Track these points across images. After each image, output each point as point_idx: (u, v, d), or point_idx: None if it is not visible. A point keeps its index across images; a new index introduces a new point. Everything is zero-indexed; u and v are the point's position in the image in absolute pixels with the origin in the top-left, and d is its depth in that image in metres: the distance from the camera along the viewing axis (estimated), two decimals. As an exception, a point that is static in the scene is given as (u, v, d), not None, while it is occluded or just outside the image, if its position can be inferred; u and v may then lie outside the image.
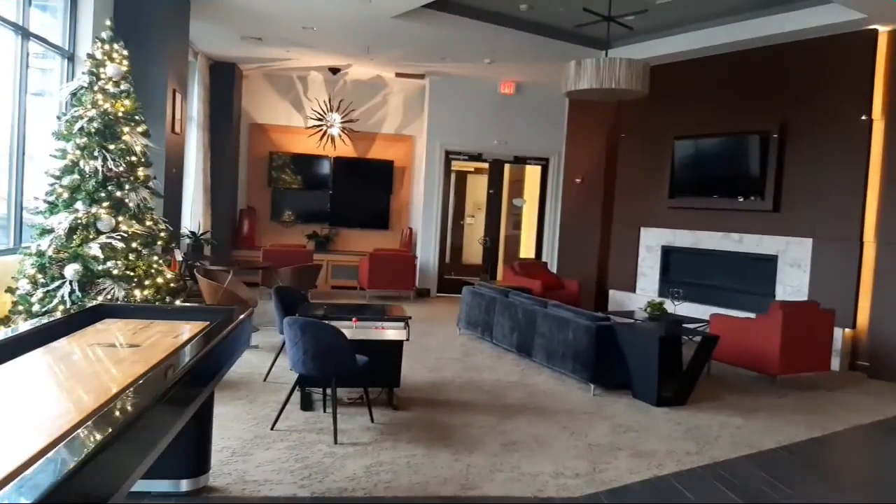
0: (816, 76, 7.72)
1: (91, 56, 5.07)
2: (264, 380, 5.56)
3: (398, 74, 11.41)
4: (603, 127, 10.57)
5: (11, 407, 2.09)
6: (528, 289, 8.24)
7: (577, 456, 4.28)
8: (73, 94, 5.04)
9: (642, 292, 9.53)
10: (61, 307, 4.49)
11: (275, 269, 8.79)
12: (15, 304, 4.62)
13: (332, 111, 11.80)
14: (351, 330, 4.84)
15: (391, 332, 5.12)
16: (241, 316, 3.31)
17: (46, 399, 2.23)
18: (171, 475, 3.30)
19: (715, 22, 8.06)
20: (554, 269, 11.09)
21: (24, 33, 5.47)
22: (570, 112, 11.42)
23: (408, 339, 5.17)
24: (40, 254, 4.65)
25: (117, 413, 1.83)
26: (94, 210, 4.78)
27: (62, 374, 2.53)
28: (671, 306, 7.21)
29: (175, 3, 7.27)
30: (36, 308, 4.56)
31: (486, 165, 11.87)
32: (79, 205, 4.77)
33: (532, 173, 12.21)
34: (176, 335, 3.06)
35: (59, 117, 5.00)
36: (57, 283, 4.62)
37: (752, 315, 6.83)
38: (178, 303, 5.17)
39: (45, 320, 3.11)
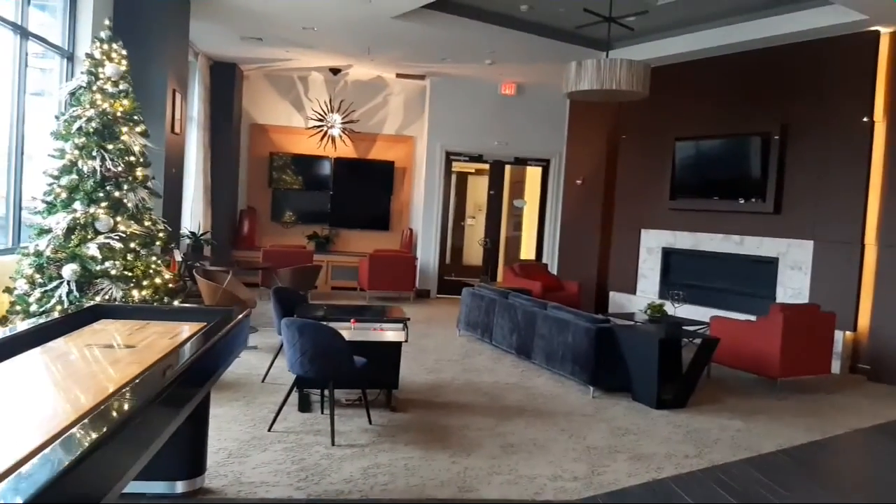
0: (818, 78, 7.70)
1: (90, 56, 5.06)
2: (262, 381, 5.55)
3: (399, 75, 11.40)
4: (604, 128, 10.56)
5: (5, 405, 2.08)
6: (528, 290, 8.22)
7: (575, 458, 4.26)
8: (72, 94, 5.03)
9: (643, 294, 9.51)
10: (59, 307, 4.48)
11: (274, 269, 8.78)
12: (13, 304, 4.61)
13: (332, 112, 11.79)
14: (349, 331, 4.84)
15: (390, 334, 5.11)
16: (238, 317, 3.29)
17: (41, 398, 2.21)
18: (166, 476, 3.28)
19: (716, 23, 8.05)
20: (554, 271, 11.07)
21: (23, 33, 5.46)
22: (570, 113, 11.40)
23: (406, 341, 5.15)
24: (38, 254, 4.64)
25: (111, 413, 1.82)
26: (92, 210, 4.77)
27: (57, 373, 2.52)
28: (671, 308, 7.20)
29: (175, 3, 7.26)
30: (34, 308, 4.55)
31: (486, 166, 11.86)
32: (77, 205, 4.76)
33: (533, 174, 12.19)
34: (172, 336, 3.04)
35: (57, 117, 4.99)
36: (55, 284, 4.61)
37: (753, 317, 6.81)
38: (176, 303, 5.15)
39: (41, 320, 3.10)
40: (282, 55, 10.19)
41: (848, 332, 7.22)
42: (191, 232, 9.74)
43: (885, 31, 7.13)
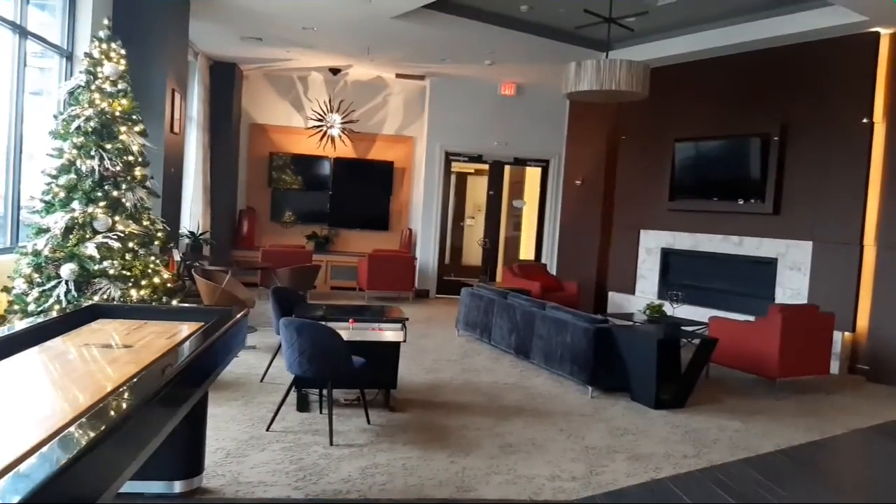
0: (818, 79, 7.70)
1: (88, 55, 5.06)
2: (261, 380, 5.54)
3: (398, 75, 11.40)
4: (603, 129, 10.56)
5: (3, 404, 2.07)
6: (527, 290, 8.22)
7: (574, 458, 4.26)
8: (71, 94, 5.03)
9: (642, 294, 9.51)
10: (57, 307, 4.48)
11: (273, 269, 8.77)
12: (11, 303, 4.61)
13: (332, 112, 11.79)
14: (348, 331, 4.83)
15: (388, 334, 5.10)
16: (236, 317, 3.28)
17: (38, 398, 2.21)
18: (164, 476, 3.28)
19: (716, 24, 8.04)
20: (553, 271, 11.07)
21: (22, 32, 5.46)
22: (570, 114, 11.40)
23: (405, 341, 5.15)
24: (36, 253, 4.64)
25: (107, 413, 1.81)
26: (90, 209, 4.77)
27: (55, 373, 2.51)
28: (670, 309, 7.19)
29: (174, 3, 7.26)
30: (32, 307, 4.55)
31: (486, 167, 11.86)
32: (75, 204, 4.76)
33: (532, 175, 12.19)
34: (170, 336, 3.04)
35: (55, 116, 4.99)
36: (53, 283, 4.60)
37: (752, 318, 6.80)
38: (174, 303, 5.15)
39: (39, 319, 3.09)
40: (282, 55, 10.19)
41: (847, 333, 7.22)
42: (190, 232, 9.73)
43: (885, 32, 7.13)
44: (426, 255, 11.55)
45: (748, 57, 8.26)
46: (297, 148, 11.90)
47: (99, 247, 4.70)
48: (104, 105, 4.93)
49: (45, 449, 1.54)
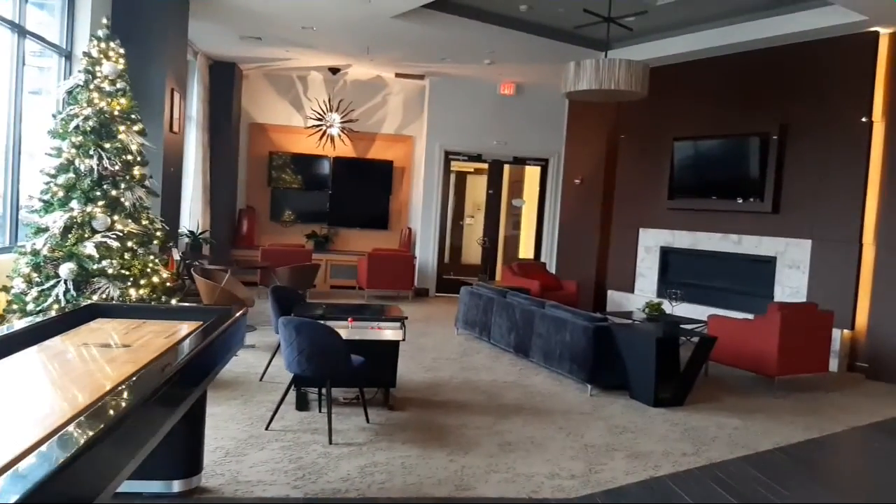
0: (817, 78, 7.70)
1: (87, 54, 5.06)
2: (260, 379, 5.55)
3: (398, 75, 11.40)
4: (603, 128, 10.56)
5: (1, 403, 2.08)
6: (526, 289, 8.22)
7: (573, 457, 4.26)
8: (69, 93, 5.02)
9: (641, 293, 9.51)
10: (56, 306, 4.47)
11: (273, 268, 8.78)
12: (10, 302, 4.61)
13: (331, 111, 11.79)
14: (347, 330, 4.84)
15: (387, 333, 5.11)
16: (234, 316, 3.28)
17: (37, 397, 2.21)
18: (162, 476, 3.28)
19: (715, 24, 8.04)
20: (553, 270, 11.08)
21: (21, 31, 5.45)
22: (569, 113, 11.41)
23: (404, 340, 5.15)
24: (35, 252, 4.63)
25: (104, 412, 1.81)
26: (89, 209, 4.77)
27: (53, 372, 2.52)
28: (669, 307, 7.19)
29: (174, 2, 7.26)
30: (30, 307, 4.54)
31: (485, 166, 11.87)
32: (74, 203, 4.76)
33: (531, 174, 12.20)
34: (168, 335, 3.04)
35: (54, 116, 4.99)
36: (52, 282, 4.60)
37: (751, 316, 6.80)
38: (173, 302, 5.15)
39: (38, 319, 3.10)
40: (281, 55, 10.19)
41: (846, 331, 7.23)
42: (189, 231, 9.74)
43: (884, 31, 7.13)
44: (425, 253, 11.56)
45: (747, 56, 8.26)
46: (296, 147, 11.90)
47: (98, 246, 4.71)
48: (103, 104, 4.93)
49: (42, 448, 1.54)
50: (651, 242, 9.56)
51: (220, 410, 4.66)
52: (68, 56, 6.21)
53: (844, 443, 5.12)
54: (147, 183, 5.25)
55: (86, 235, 4.73)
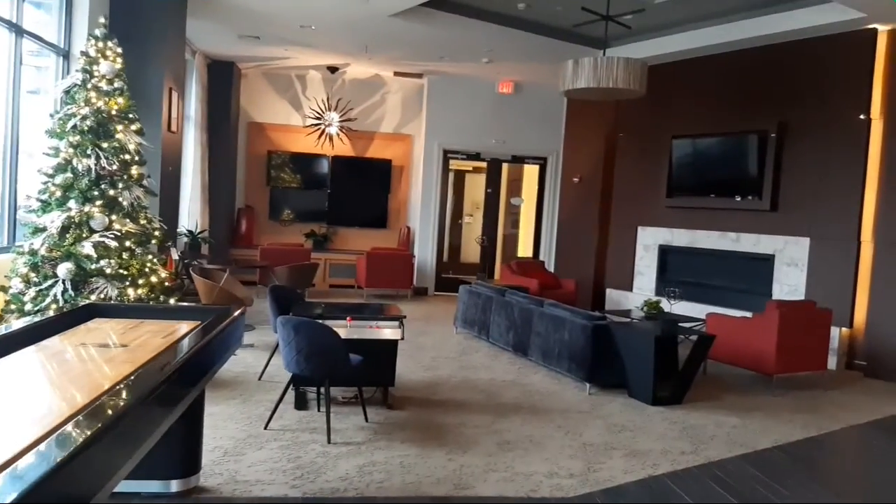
0: (815, 76, 7.70)
1: (84, 53, 5.05)
2: (259, 379, 5.55)
3: (396, 73, 11.40)
4: (601, 126, 10.56)
5: (-2, 404, 2.08)
6: (525, 288, 8.22)
7: (571, 455, 4.26)
8: (67, 92, 5.02)
9: (639, 291, 9.52)
10: (54, 306, 4.47)
11: (272, 267, 8.77)
12: (8, 302, 4.60)
13: (330, 110, 11.78)
14: (345, 329, 4.84)
15: (386, 332, 5.11)
16: (232, 316, 3.28)
17: (34, 396, 2.21)
18: (160, 475, 3.28)
19: (713, 21, 8.04)
20: (551, 269, 11.08)
21: (18, 30, 5.45)
22: (568, 112, 11.40)
23: (402, 339, 5.15)
24: (33, 252, 4.63)
25: (101, 412, 1.81)
26: (86, 208, 4.77)
27: (51, 372, 2.52)
28: (668, 305, 7.19)
29: (172, 1, 7.24)
30: (28, 307, 4.54)
31: (484, 165, 11.87)
32: (72, 203, 4.75)
33: (530, 173, 12.20)
34: (166, 335, 3.04)
35: (52, 115, 4.98)
36: (50, 282, 4.60)
37: (749, 314, 6.81)
38: (172, 302, 5.15)
39: (36, 319, 3.09)
40: (279, 53, 10.17)
41: (844, 329, 7.23)
42: (188, 230, 9.73)
43: (882, 28, 7.13)
44: (424, 252, 11.56)
45: (745, 54, 8.25)
46: (295, 146, 11.89)
47: (96, 246, 4.70)
48: (100, 104, 4.92)
49: (39, 447, 1.54)
50: (650, 241, 9.57)
51: (219, 410, 4.66)
52: (66, 55, 6.20)
53: (843, 441, 5.13)
54: (145, 182, 5.24)
55: (84, 235, 4.73)
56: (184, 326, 3.23)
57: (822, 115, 7.57)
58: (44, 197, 4.79)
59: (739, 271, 8.46)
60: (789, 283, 7.82)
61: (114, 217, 4.89)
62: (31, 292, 4.58)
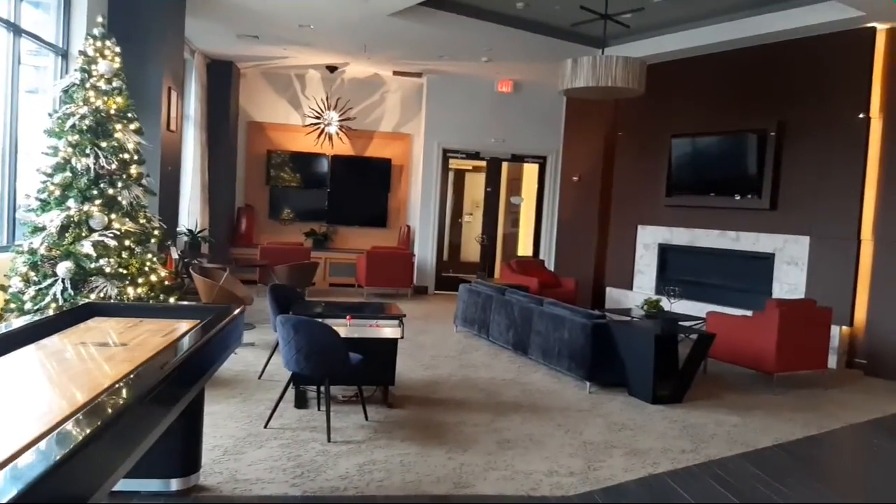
0: (814, 74, 7.69)
1: (83, 53, 5.04)
2: (259, 377, 5.54)
3: (396, 73, 11.39)
4: (600, 125, 10.55)
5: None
6: (525, 286, 8.22)
7: (571, 454, 4.26)
8: (65, 91, 5.01)
9: (639, 290, 9.51)
10: (53, 305, 4.47)
11: (271, 266, 8.77)
12: (7, 302, 4.60)
13: (329, 109, 11.78)
14: (345, 328, 4.83)
15: (386, 330, 5.11)
16: (231, 315, 3.27)
17: (33, 395, 2.21)
18: (160, 474, 3.27)
19: (712, 20, 8.03)
20: (551, 267, 11.07)
21: (17, 30, 5.44)
22: (567, 110, 11.40)
23: (402, 338, 5.14)
24: (32, 252, 4.63)
25: (99, 411, 1.81)
26: (86, 208, 4.76)
27: (51, 371, 2.51)
28: (668, 304, 7.19)
29: (170, 1, 7.23)
30: (28, 306, 4.53)
31: (483, 164, 11.87)
32: (71, 202, 4.74)
33: (530, 171, 12.20)
34: (165, 334, 3.04)
35: (50, 115, 4.98)
36: (49, 281, 4.59)
37: (749, 313, 6.80)
38: (171, 301, 5.14)
39: (35, 318, 3.09)
40: (279, 53, 10.17)
41: (844, 327, 7.23)
42: (188, 229, 9.72)
43: (881, 27, 7.12)
44: (424, 251, 11.55)
45: (744, 53, 8.25)
46: (294, 145, 11.89)
47: (95, 245, 4.70)
48: (99, 103, 4.92)
49: (37, 446, 1.54)
50: (649, 239, 9.56)
51: (219, 408, 4.66)
52: (64, 55, 6.19)
53: (843, 440, 5.12)
54: (144, 181, 5.23)
55: (83, 234, 4.72)
56: (183, 325, 3.23)
57: (821, 113, 7.57)
58: (43, 196, 4.78)
59: (739, 270, 8.46)
60: (789, 282, 7.82)
61: (113, 216, 4.89)
62: (31, 291, 4.57)
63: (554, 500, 3.58)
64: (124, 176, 5.01)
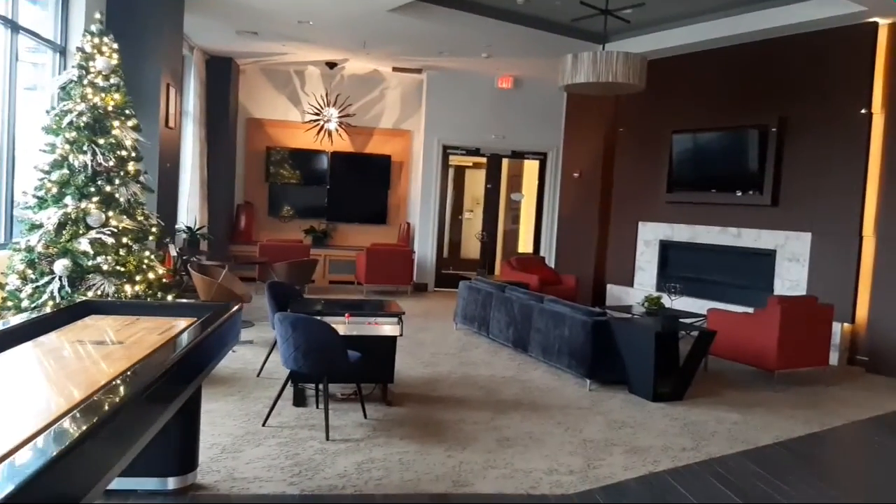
0: (816, 70, 7.66)
1: (80, 49, 5.01)
2: (257, 375, 5.53)
3: (395, 69, 11.35)
4: (601, 121, 10.52)
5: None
6: (525, 284, 8.19)
7: (571, 452, 4.24)
8: (63, 88, 4.98)
9: (640, 287, 9.49)
10: (50, 303, 4.45)
11: (270, 264, 8.75)
12: (4, 299, 4.58)
13: (329, 106, 11.75)
14: (344, 325, 4.81)
15: (385, 328, 5.08)
16: (228, 312, 3.25)
17: (30, 393, 2.19)
18: (157, 473, 3.25)
19: (713, 15, 8.00)
20: (552, 264, 11.05)
21: (14, 27, 5.41)
22: (568, 107, 11.36)
23: (401, 335, 5.12)
24: (29, 249, 4.60)
25: (95, 408, 1.79)
26: (83, 205, 4.73)
27: (48, 368, 2.50)
28: (668, 301, 7.17)
29: (169, -3, 7.21)
30: (25, 304, 4.51)
31: (483, 160, 11.84)
32: (68, 200, 4.72)
33: (530, 168, 12.17)
34: (162, 331, 3.02)
35: (48, 112, 4.95)
36: (46, 279, 4.57)
37: (751, 310, 6.78)
38: (169, 298, 5.12)
39: (32, 315, 3.08)
40: (278, 49, 10.14)
41: (846, 324, 7.21)
42: (187, 226, 9.70)
43: (883, 22, 7.09)
44: (424, 248, 11.53)
45: (746, 48, 8.21)
46: (294, 142, 11.86)
47: (92, 242, 4.67)
48: (96, 100, 4.89)
49: (31, 444, 1.52)
50: (650, 236, 9.54)
51: (217, 406, 4.64)
52: (62, 52, 6.17)
53: (844, 437, 5.10)
54: (142, 179, 5.21)
55: (80, 232, 4.70)
56: (181, 323, 3.21)
57: (822, 109, 7.54)
58: (40, 193, 4.76)
59: (740, 267, 8.43)
60: (791, 279, 7.79)
61: (110, 213, 4.86)
62: (28, 289, 4.55)
63: (554, 499, 3.56)
64: (122, 173, 4.99)
